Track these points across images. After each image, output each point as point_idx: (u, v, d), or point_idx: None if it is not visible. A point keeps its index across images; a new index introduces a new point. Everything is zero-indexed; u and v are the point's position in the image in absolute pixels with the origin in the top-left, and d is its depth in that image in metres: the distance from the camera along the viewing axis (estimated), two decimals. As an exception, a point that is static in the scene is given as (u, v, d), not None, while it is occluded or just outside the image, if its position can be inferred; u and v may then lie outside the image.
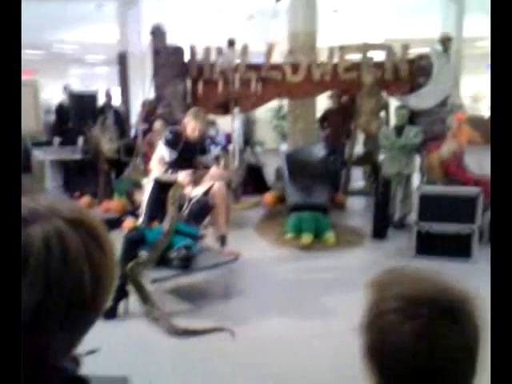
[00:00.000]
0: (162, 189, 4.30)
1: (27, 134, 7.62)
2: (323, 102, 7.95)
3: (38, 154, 6.35)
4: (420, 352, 0.77)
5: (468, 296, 0.83)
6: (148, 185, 4.61)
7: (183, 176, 4.18)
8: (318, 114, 7.92)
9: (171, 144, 4.42)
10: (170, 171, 4.34)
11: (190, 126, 4.40)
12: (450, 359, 0.77)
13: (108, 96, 8.54)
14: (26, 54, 13.62)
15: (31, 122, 7.94)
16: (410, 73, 6.90)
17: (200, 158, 4.60)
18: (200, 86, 7.08)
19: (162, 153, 4.45)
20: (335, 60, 6.97)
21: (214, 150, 8.11)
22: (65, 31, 12.02)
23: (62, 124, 8.00)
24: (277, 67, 7.01)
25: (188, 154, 4.50)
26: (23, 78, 10.18)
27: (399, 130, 5.95)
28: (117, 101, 10.80)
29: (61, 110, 8.24)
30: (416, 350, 0.77)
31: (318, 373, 2.86)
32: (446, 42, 6.88)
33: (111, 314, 3.64)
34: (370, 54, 6.99)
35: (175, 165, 4.39)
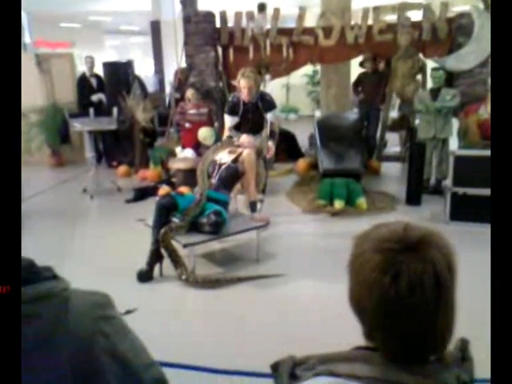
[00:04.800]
0: None
1: (64, 106, 7.82)
2: (357, 67, 7.75)
3: (76, 125, 6.53)
4: (386, 283, 0.79)
5: (435, 232, 0.85)
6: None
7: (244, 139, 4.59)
8: (352, 78, 7.75)
9: (231, 111, 4.93)
10: (235, 134, 4.84)
11: (240, 87, 4.70)
12: (414, 293, 0.78)
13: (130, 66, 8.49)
14: (62, 26, 13.86)
15: (68, 93, 8.10)
16: (449, 33, 6.62)
17: (266, 116, 4.95)
18: (231, 53, 7.04)
19: (226, 121, 5.01)
20: (369, 22, 6.76)
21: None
22: (100, 2, 12.10)
23: (85, 96, 7.89)
24: (309, 31, 6.87)
25: (249, 116, 4.91)
26: (60, 50, 10.40)
27: (435, 93, 5.75)
28: (149, 70, 10.88)
29: (82, 82, 8.09)
30: (382, 281, 0.80)
31: (335, 330, 2.92)
32: (488, -2, 6.53)
33: (147, 277, 3.79)
34: (407, 13, 6.73)
35: (239, 128, 4.94)
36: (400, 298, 0.78)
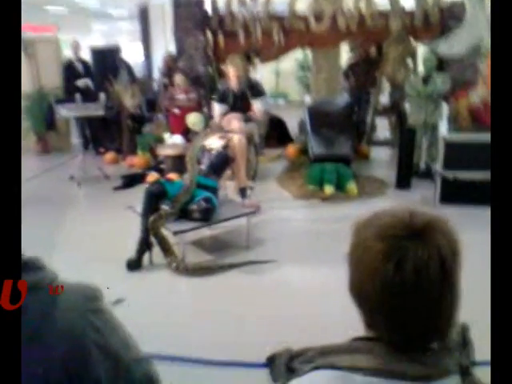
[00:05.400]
0: None
1: (50, 92, 7.68)
2: (348, 52, 7.68)
3: (61, 111, 6.42)
4: (390, 270, 0.77)
5: (440, 218, 0.83)
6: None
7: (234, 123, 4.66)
8: (342, 62, 7.68)
9: (221, 100, 5.02)
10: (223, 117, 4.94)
11: (229, 75, 4.76)
12: (419, 279, 0.77)
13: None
14: (48, 9, 13.56)
15: (54, 79, 7.93)
16: (441, 19, 6.56)
17: (254, 101, 5.03)
18: (221, 38, 6.94)
19: (216, 109, 5.09)
20: (362, 8, 6.67)
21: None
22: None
23: (71, 82, 7.74)
24: (300, 17, 6.77)
25: (238, 104, 5.01)
26: (45, 35, 10.19)
27: (426, 78, 5.73)
28: (137, 55, 10.72)
29: (69, 68, 7.92)
30: (386, 267, 0.77)
31: (327, 316, 2.93)
32: (481, -17, 6.46)
33: (136, 265, 3.75)
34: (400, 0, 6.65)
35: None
36: (405, 282, 0.77)
